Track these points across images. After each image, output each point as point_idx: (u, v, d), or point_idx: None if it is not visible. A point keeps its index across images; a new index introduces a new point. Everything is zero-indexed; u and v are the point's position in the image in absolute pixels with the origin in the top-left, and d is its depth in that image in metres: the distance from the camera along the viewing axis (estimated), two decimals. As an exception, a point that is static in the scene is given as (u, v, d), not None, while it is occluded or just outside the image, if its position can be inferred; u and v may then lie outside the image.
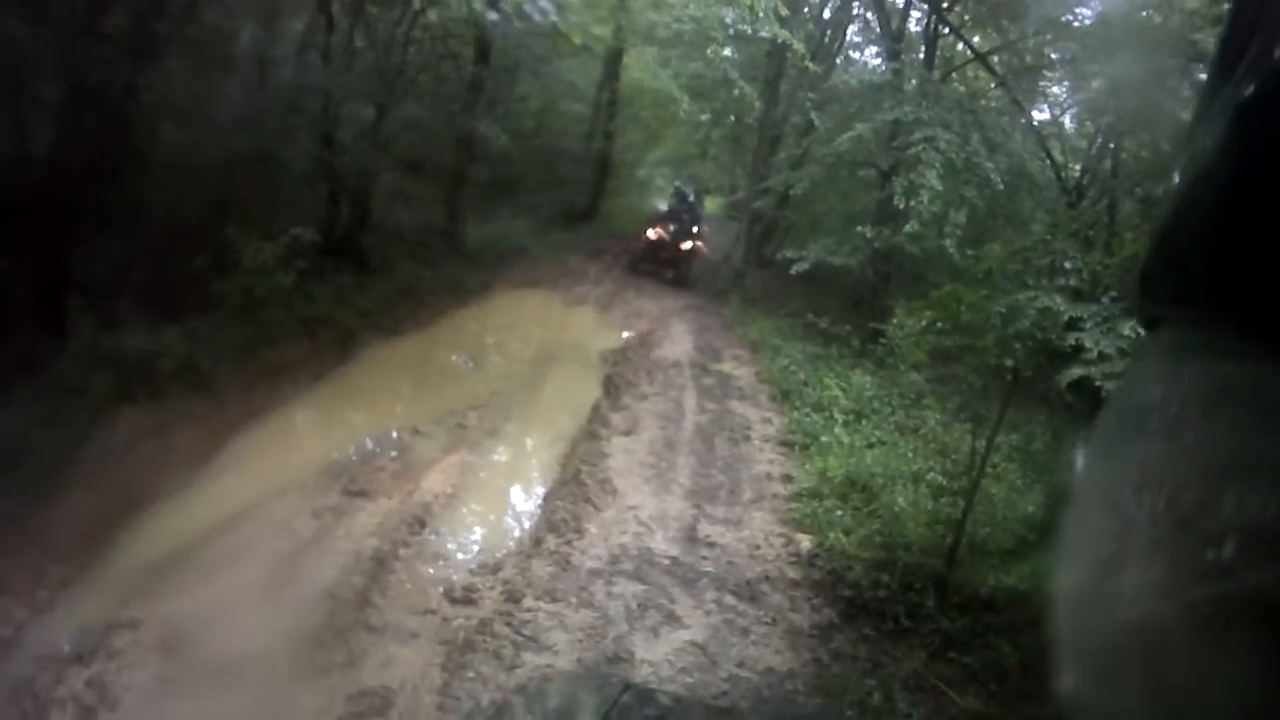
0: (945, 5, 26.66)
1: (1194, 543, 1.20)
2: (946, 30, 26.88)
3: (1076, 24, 23.55)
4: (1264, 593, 1.01)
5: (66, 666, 7.60)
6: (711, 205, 43.01)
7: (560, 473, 12.20)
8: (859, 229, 22.33)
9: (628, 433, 13.93)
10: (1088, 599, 1.58)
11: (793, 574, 10.19)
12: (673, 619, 8.87)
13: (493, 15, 18.65)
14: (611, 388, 16.19)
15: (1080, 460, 1.89)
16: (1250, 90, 1.20)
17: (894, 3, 28.38)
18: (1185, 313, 1.43)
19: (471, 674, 7.58)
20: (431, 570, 9.69)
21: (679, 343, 21.11)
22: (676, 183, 39.20)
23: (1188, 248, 1.39)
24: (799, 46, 24.87)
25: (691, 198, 34.99)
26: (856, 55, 36.53)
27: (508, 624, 8.34)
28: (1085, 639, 1.48)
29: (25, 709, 7.18)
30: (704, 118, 35.25)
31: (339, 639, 8.21)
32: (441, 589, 9.22)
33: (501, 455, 12.85)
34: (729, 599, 9.37)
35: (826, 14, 33.52)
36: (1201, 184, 1.37)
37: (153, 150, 16.33)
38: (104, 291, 12.78)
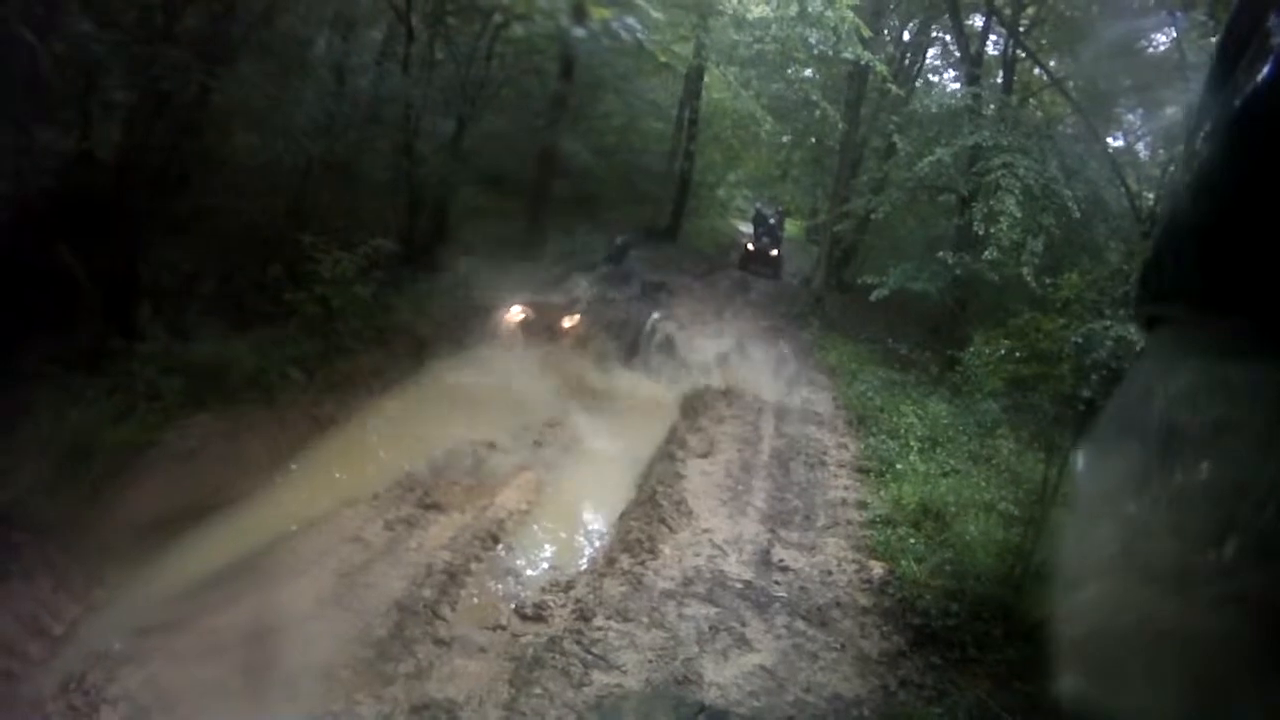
0: (1023, 30, 26.57)
1: (1194, 541, 1.17)
2: (1023, 54, 26.80)
3: (1150, 50, 23.50)
4: (1264, 592, 1.09)
5: (120, 665, 7.55)
6: (792, 228, 42.98)
7: (636, 493, 12.20)
8: (939, 255, 22.02)
9: (704, 455, 13.84)
10: (1088, 599, 1.56)
11: (864, 600, 10.07)
12: (743, 642, 8.74)
13: (579, 31, 18.71)
14: (689, 410, 16.13)
15: (1080, 459, 1.85)
16: (1250, 91, 1.31)
17: (973, 26, 28.18)
18: (1185, 313, 1.42)
19: (539, 691, 7.50)
20: (502, 586, 9.67)
21: (758, 365, 20.90)
22: (758, 204, 40.32)
23: (1188, 248, 1.37)
24: (881, 69, 25.13)
25: (772, 219, 36.61)
26: (935, 78, 36.30)
27: (577, 642, 8.27)
28: (1087, 639, 1.46)
29: (75, 704, 7.09)
30: (785, 139, 35.60)
31: (406, 650, 8.14)
32: (512, 605, 9.19)
33: (576, 473, 12.74)
34: (800, 624, 9.26)
35: (906, 36, 33.55)
36: (1202, 185, 1.35)
37: (226, 156, 16.40)
38: (174, 297, 12.76)
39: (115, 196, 12.56)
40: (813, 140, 35.46)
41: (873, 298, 23.02)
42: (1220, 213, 1.32)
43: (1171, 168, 21.62)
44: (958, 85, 31.04)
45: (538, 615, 8.99)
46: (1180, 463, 1.44)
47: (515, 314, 18.18)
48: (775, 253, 35.58)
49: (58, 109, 12.84)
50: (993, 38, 28.34)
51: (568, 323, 18.68)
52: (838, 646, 9.04)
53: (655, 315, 20.64)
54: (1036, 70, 27.37)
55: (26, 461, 9.31)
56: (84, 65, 12.21)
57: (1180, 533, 1.35)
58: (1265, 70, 1.26)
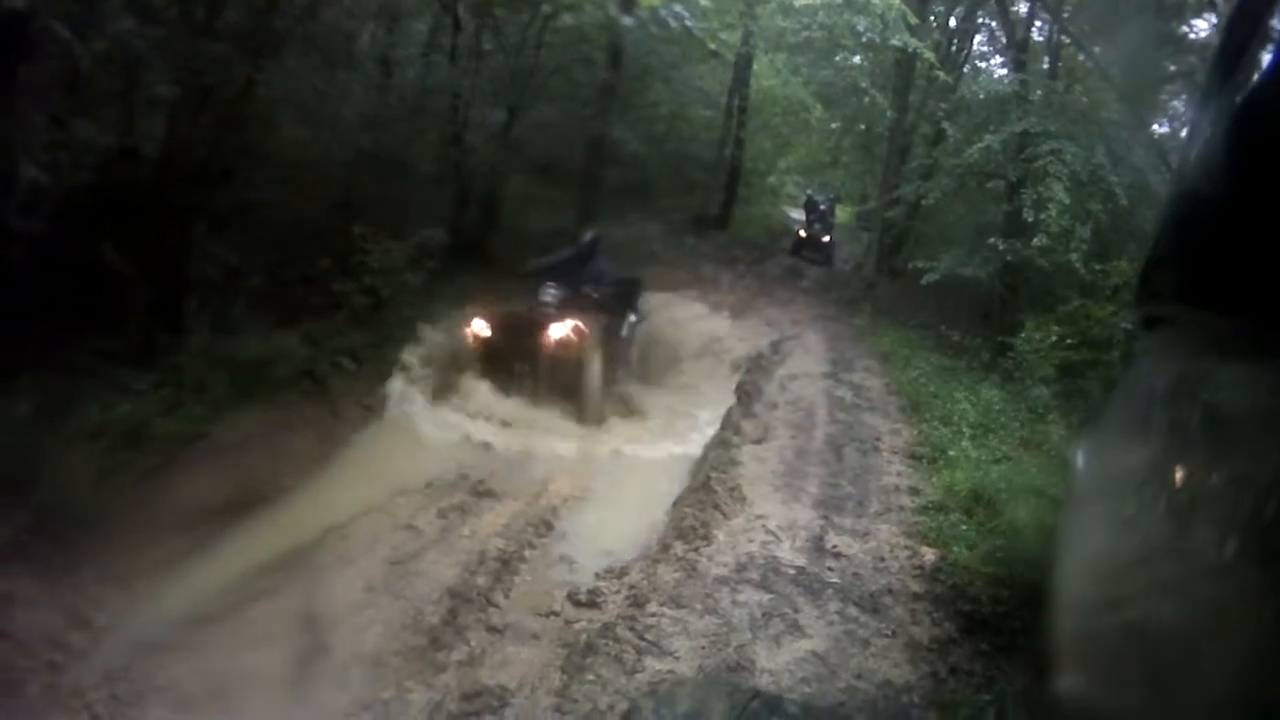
0: (1067, 15, 26.37)
1: (1194, 540, 1.13)
2: (1068, 40, 26.65)
3: (1193, 36, 23.33)
4: (1264, 591, 1.06)
5: (166, 655, 7.60)
6: (843, 215, 43.12)
7: (690, 479, 12.24)
8: (989, 241, 22.00)
9: (759, 441, 13.76)
10: (1088, 598, 1.51)
11: (915, 587, 9.94)
12: (796, 628, 8.65)
13: (627, 20, 18.62)
14: (744, 395, 16.02)
15: (1080, 459, 1.81)
16: (1249, 91, 1.35)
17: (1018, 12, 28.01)
18: (1185, 312, 1.38)
19: (591, 677, 7.41)
20: (556, 573, 9.74)
21: (811, 352, 20.90)
22: (809, 191, 40.73)
23: (1188, 248, 1.33)
24: (929, 55, 24.97)
25: (823, 206, 37.11)
26: (982, 64, 36.15)
27: (631, 628, 8.21)
28: (1086, 638, 1.41)
29: (119, 694, 7.10)
30: (834, 126, 35.52)
31: (459, 637, 8.22)
32: (565, 591, 9.24)
33: (631, 460, 13.01)
34: (852, 610, 9.16)
35: (953, 23, 33.22)
36: (1201, 184, 1.32)
37: (273, 149, 16.51)
38: (222, 291, 12.85)
39: (159, 191, 12.67)
40: (862, 127, 35.24)
41: (923, 283, 23.01)
42: (1219, 214, 1.30)
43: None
44: (1004, 71, 30.96)
45: (591, 602, 9.01)
46: (1180, 460, 1.41)
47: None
48: (827, 239, 35.92)
49: (99, 105, 13.00)
50: (1037, 23, 28.14)
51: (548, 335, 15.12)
52: (889, 633, 8.93)
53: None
54: (1081, 56, 27.10)
55: (75, 453, 9.43)
56: (125, 62, 12.26)
57: (1180, 530, 1.32)
58: (1261, 74, 1.24)
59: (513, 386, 15.06)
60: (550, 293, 15.77)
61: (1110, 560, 1.55)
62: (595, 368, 15.19)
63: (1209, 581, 1.20)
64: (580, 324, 15.08)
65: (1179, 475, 1.36)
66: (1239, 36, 1.40)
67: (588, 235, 17.99)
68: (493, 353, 15.05)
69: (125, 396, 10.52)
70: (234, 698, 7.19)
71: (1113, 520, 1.62)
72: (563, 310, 15.38)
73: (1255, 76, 1.30)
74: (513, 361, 15.05)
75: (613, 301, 16.98)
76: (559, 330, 14.84)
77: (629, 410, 16.12)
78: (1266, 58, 1.29)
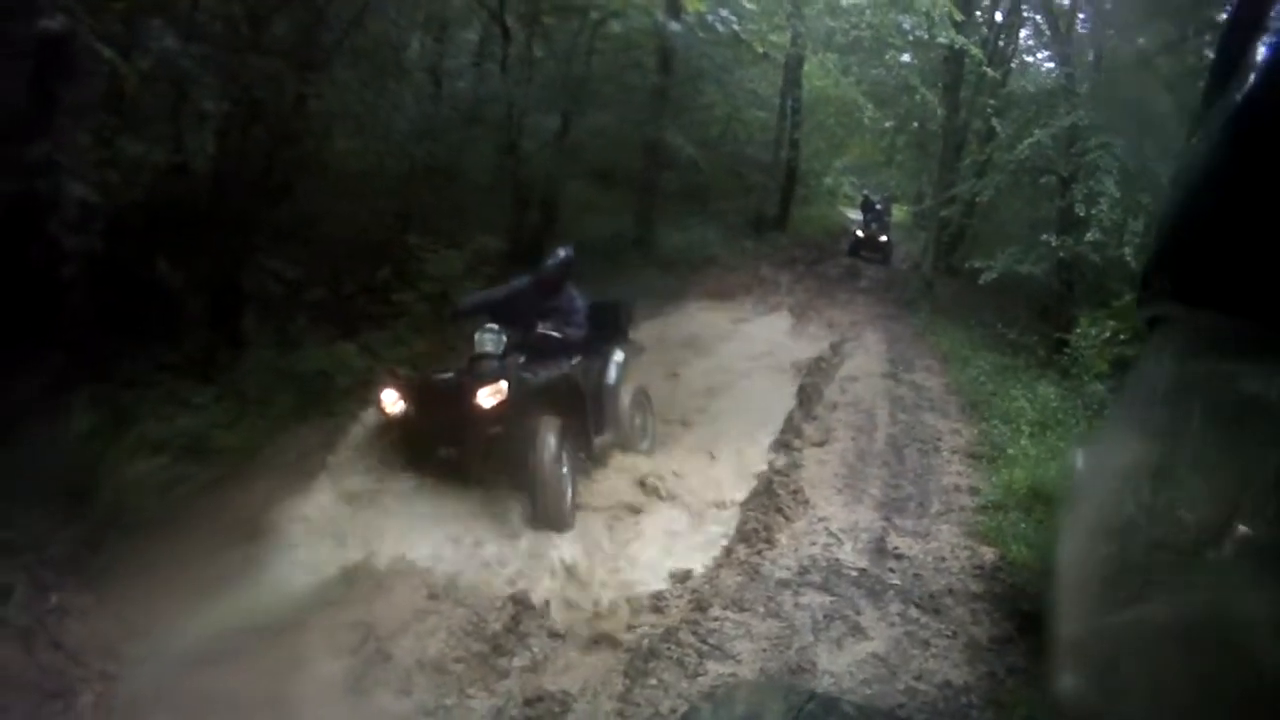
0: (1110, 7, 26.15)
1: (1195, 540, 1.11)
2: (1113, 31, 26.44)
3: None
4: (1263, 589, 1.05)
5: (222, 664, 7.50)
6: (899, 214, 42.57)
7: (753, 483, 12.02)
8: (1043, 238, 22.12)
9: (820, 443, 13.70)
10: (1088, 597, 1.46)
11: (975, 587, 9.86)
12: (857, 630, 8.62)
13: (675, 25, 18.60)
14: (805, 398, 15.95)
15: (1081, 459, 1.76)
16: (1249, 90, 1.32)
17: (1062, 4, 27.87)
18: (1185, 312, 1.35)
19: (654, 681, 7.42)
20: (618, 577, 9.66)
21: (871, 352, 20.76)
22: (865, 191, 40.67)
23: (1188, 248, 1.31)
24: (976, 51, 25.02)
25: (879, 205, 36.62)
26: (1029, 59, 35.67)
27: (694, 632, 8.20)
28: (1086, 637, 1.37)
29: (177, 703, 7.05)
30: (888, 125, 35.84)
31: (521, 644, 8.18)
32: (627, 596, 9.18)
33: (695, 465, 12.61)
34: (913, 611, 9.12)
35: (998, 18, 32.91)
36: (1202, 184, 1.29)
37: (327, 162, 16.55)
38: (280, 305, 12.93)
39: (213, 206, 12.80)
40: (915, 125, 35.39)
41: (980, 281, 22.92)
42: (1219, 214, 1.25)
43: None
44: (1051, 65, 30.65)
45: (654, 606, 8.96)
46: (1181, 460, 1.38)
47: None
48: (884, 238, 35.56)
49: (147, 123, 13.16)
50: (1080, 15, 27.97)
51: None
52: (949, 634, 8.86)
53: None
54: (1127, 48, 26.78)
55: (135, 465, 9.50)
56: (171, 79, 12.38)
57: (1181, 530, 1.29)
58: (1260, 74, 1.20)
59: (440, 478, 10.56)
60: (488, 339, 10.85)
61: (1110, 560, 1.52)
62: (547, 442, 10.12)
63: (1209, 581, 1.16)
64: (522, 381, 10.36)
65: (1180, 475, 1.34)
66: (1239, 36, 1.37)
67: (555, 254, 12.21)
68: (410, 433, 10.63)
69: (185, 410, 10.60)
70: (291, 706, 7.11)
71: (1113, 520, 1.58)
72: (507, 362, 10.76)
73: (1255, 76, 1.25)
74: (435, 443, 10.59)
75: (586, 340, 12.01)
76: (488, 395, 10.01)
77: (637, 483, 11.71)
78: (1266, 57, 1.25)
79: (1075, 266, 21.74)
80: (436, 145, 18.80)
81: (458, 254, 15.68)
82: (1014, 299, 24.47)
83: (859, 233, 36.02)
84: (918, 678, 7.97)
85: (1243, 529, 1.11)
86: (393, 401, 10.51)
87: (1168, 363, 1.57)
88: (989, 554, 10.48)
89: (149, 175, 11.69)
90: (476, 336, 11.13)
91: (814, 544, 10.25)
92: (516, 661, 8.01)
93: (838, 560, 9.90)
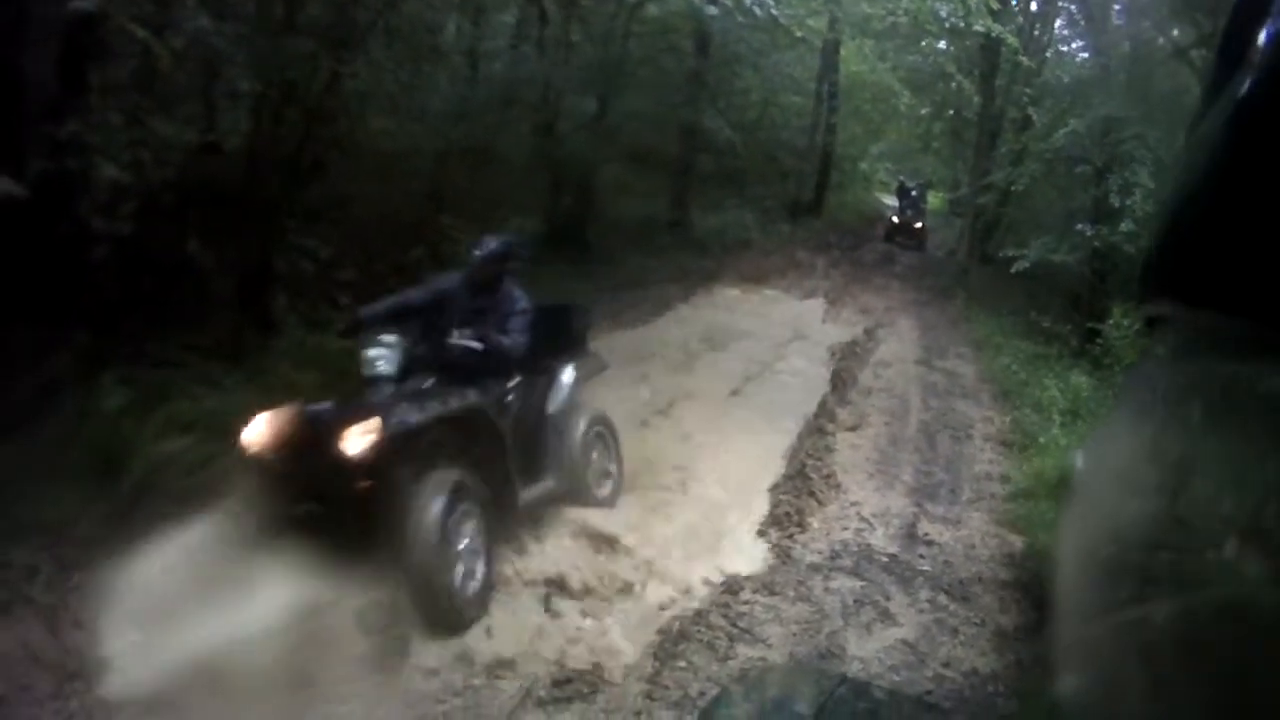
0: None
1: (1195, 540, 1.06)
2: (1146, 23, 26.29)
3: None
4: (1262, 589, 1.01)
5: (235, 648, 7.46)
6: (935, 201, 42.86)
7: (785, 466, 11.93)
8: (1077, 227, 22.01)
9: (853, 428, 13.69)
10: (1088, 597, 1.43)
11: (1004, 575, 9.82)
12: (886, 616, 8.58)
13: (711, 9, 18.59)
14: (839, 383, 15.90)
15: (1081, 459, 1.71)
16: (1249, 90, 1.24)
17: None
18: (1185, 312, 1.40)
19: (683, 664, 7.33)
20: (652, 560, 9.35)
21: (906, 338, 20.85)
22: (901, 178, 40.93)
23: (1188, 247, 1.25)
24: (1012, 40, 24.81)
25: (915, 192, 36.77)
26: (1065, 49, 35.37)
27: (724, 615, 8.12)
28: (1086, 636, 1.35)
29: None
30: (924, 112, 36.00)
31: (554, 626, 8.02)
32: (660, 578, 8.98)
33: (728, 449, 12.24)
34: (942, 598, 9.08)
35: (1034, 6, 32.80)
36: (1202, 181, 1.23)
37: (362, 142, 16.39)
38: (312, 285, 12.92)
39: (246, 187, 12.71)
40: (951, 113, 35.67)
41: (1014, 270, 22.95)
42: (1219, 213, 1.21)
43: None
44: (1086, 55, 30.85)
45: (685, 589, 8.76)
46: (1181, 462, 1.34)
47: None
48: (919, 225, 35.94)
49: (179, 103, 13.12)
50: (1115, 6, 27.88)
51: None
52: (978, 621, 8.81)
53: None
54: (1160, 39, 26.73)
55: (165, 444, 9.43)
56: (203, 59, 12.44)
57: (1181, 530, 1.25)
58: (1261, 72, 1.15)
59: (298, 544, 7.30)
60: (379, 357, 8.02)
61: (1109, 561, 1.48)
62: (429, 506, 7.33)
63: (1210, 582, 1.12)
64: (406, 419, 7.51)
65: (1181, 475, 1.29)
66: (1239, 34, 1.32)
67: (486, 243, 9.23)
68: (269, 481, 7.77)
69: (214, 390, 10.48)
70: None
71: (1112, 520, 1.54)
72: (397, 391, 7.78)
73: (1257, 71, 1.20)
74: (295, 497, 7.75)
75: (528, 355, 9.15)
76: (356, 438, 7.25)
77: (588, 548, 9.06)
78: (1268, 51, 1.20)
79: (1109, 256, 21.56)
80: (472, 126, 18.75)
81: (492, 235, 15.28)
82: (1048, 288, 24.40)
83: (894, 219, 36.49)
84: (945, 665, 7.94)
85: (1243, 530, 1.07)
86: (255, 439, 7.65)
87: (1167, 362, 1.54)
88: (1018, 542, 10.44)
89: (181, 155, 11.61)
90: (364, 354, 8.04)
91: (846, 529, 10.24)
92: None
93: (869, 545, 9.90)
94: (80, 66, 9.51)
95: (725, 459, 11.71)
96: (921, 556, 9.87)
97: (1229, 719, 1.08)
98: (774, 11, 18.96)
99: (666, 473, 11.06)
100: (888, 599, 8.85)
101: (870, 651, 7.93)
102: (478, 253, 9.15)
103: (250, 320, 11.99)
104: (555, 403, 9.54)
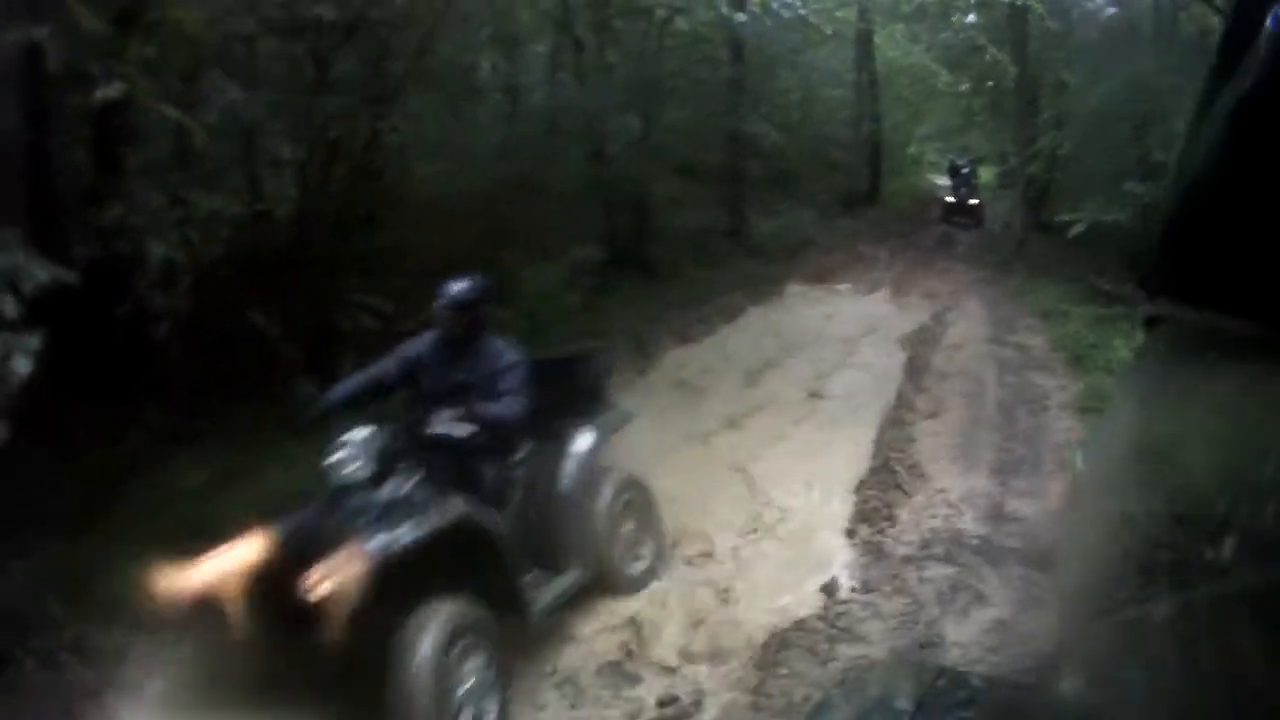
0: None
1: (1195, 541, 1.04)
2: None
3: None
4: (1262, 590, 1.01)
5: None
6: (985, 175, 42.23)
7: (870, 461, 11.89)
8: (1125, 186, 21.75)
9: (932, 415, 13.70)
10: (1088, 597, 1.40)
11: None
12: (981, 599, 8.54)
13: (740, 16, 18.61)
14: (913, 371, 15.91)
15: (1080, 459, 1.71)
16: (1249, 90, 1.26)
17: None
18: (1185, 312, 1.30)
19: (785, 671, 7.31)
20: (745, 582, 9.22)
21: (973, 318, 20.88)
22: (950, 156, 40.37)
23: (1188, 246, 1.23)
24: (1037, 5, 24.53)
25: (965, 169, 36.21)
26: (1091, 5, 35.17)
27: (821, 619, 8.12)
28: (1086, 636, 1.34)
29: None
30: (963, 88, 35.84)
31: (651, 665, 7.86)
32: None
33: (808, 451, 12.36)
34: (1033, 573, 8.79)
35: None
36: (1202, 181, 1.21)
37: (411, 190, 16.54)
38: (376, 341, 12.60)
39: (299, 250, 12.84)
40: (989, 85, 35.08)
41: (1070, 235, 22.95)
42: (1219, 213, 1.18)
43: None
44: (1111, 9, 30.48)
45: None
46: (1181, 460, 1.32)
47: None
48: (974, 202, 35.50)
49: (221, 176, 13.23)
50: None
51: None
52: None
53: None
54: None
55: (233, 524, 9.43)
56: (241, 129, 12.57)
57: (1181, 530, 1.23)
58: (1262, 70, 1.13)
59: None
60: (347, 459, 6.69)
61: (1109, 560, 1.46)
62: (420, 653, 5.93)
63: (1209, 581, 1.10)
64: (378, 553, 5.89)
65: (1181, 475, 1.27)
66: (1240, 32, 1.30)
67: (446, 290, 7.64)
68: (226, 631, 6.88)
69: (285, 462, 10.14)
70: None
71: (1112, 519, 1.52)
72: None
73: (1258, 68, 1.18)
74: (263, 654, 6.43)
75: (533, 419, 7.79)
76: (317, 586, 5.59)
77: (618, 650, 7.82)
78: (1269, 48, 1.18)
79: (1158, 210, 21.27)
80: (519, 160, 18.99)
81: (553, 267, 15.68)
82: (1104, 249, 24.06)
83: (949, 199, 36.04)
84: (1038, 638, 7.91)
85: (1242, 529, 1.05)
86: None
87: (1166, 362, 1.52)
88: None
89: (229, 228, 11.63)
90: (329, 457, 6.75)
91: (934, 517, 10.21)
92: None
93: (959, 530, 9.89)
94: (114, 151, 9.64)
95: (807, 463, 11.79)
96: (1010, 534, 9.82)
97: (1228, 719, 1.07)
98: (801, 11, 19.01)
99: (746, 483, 11.11)
100: (981, 581, 8.84)
101: (969, 636, 7.92)
102: (443, 303, 7.58)
103: (319, 383, 12.09)
104: (570, 477, 8.00)
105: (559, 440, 8.09)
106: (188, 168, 11.47)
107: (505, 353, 7.52)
